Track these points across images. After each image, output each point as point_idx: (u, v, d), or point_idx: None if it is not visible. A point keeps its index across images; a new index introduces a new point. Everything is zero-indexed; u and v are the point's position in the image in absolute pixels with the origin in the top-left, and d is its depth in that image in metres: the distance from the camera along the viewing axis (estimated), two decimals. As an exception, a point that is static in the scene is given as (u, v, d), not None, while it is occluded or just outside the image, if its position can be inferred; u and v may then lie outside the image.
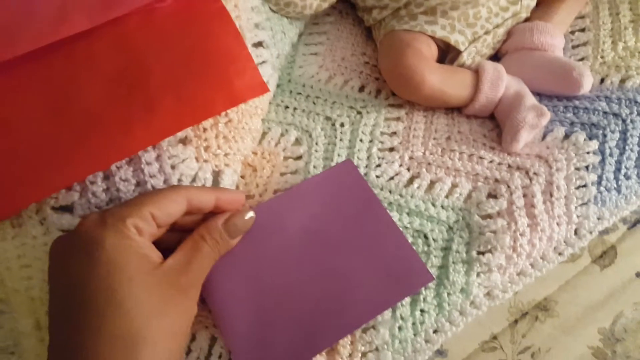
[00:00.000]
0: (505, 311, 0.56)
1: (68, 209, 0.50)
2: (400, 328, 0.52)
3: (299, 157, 0.64)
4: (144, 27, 0.54)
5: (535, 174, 0.58)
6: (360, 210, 0.55)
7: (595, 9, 0.73)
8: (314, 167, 0.62)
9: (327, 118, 0.67)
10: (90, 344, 0.38)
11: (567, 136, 0.61)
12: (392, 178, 0.61)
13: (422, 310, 0.53)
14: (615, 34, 0.70)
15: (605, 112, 0.62)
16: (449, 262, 0.55)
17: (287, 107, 0.68)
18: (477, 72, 0.64)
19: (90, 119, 0.50)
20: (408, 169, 0.62)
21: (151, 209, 0.43)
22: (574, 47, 0.71)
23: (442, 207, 0.58)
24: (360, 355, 0.51)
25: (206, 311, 0.53)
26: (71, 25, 0.51)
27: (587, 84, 0.62)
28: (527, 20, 0.69)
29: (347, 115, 0.66)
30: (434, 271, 0.55)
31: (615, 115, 0.62)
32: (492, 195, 0.58)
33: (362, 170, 0.61)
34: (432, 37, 0.65)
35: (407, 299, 0.53)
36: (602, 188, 0.58)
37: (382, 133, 0.64)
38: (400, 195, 0.59)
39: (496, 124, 0.64)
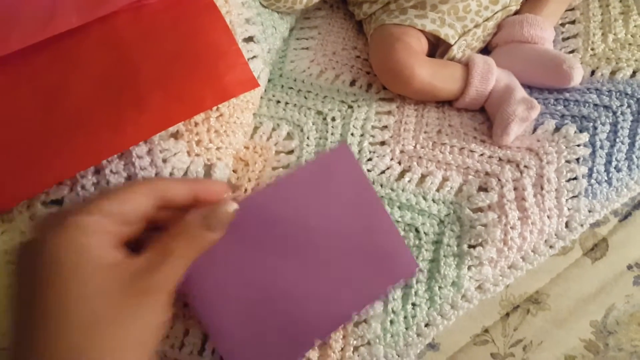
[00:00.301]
0: (497, 304, 0.55)
1: (58, 202, 0.49)
2: (392, 322, 0.51)
3: (291, 152, 0.63)
4: (132, 23, 0.53)
5: (525, 166, 0.57)
6: (352, 200, 0.53)
7: (585, 1, 0.72)
8: (306, 161, 0.61)
9: (319, 112, 0.66)
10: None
11: (557, 129, 0.60)
12: (383, 172, 0.60)
13: (413, 304, 0.52)
14: (606, 26, 0.69)
15: (595, 105, 0.61)
16: (440, 256, 0.54)
17: (278, 101, 0.67)
18: (467, 66, 0.63)
19: (80, 116, 0.49)
20: (399, 163, 0.60)
21: (112, 204, 0.39)
22: (564, 39, 0.70)
23: (433, 200, 0.57)
24: (352, 349, 0.50)
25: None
26: (60, 23, 0.50)
27: (578, 76, 0.61)
28: (517, 13, 0.68)
29: (339, 110, 0.65)
30: (425, 265, 0.54)
31: (606, 107, 0.61)
32: (483, 189, 0.57)
33: (353, 164, 0.60)
34: (422, 31, 0.64)
35: (399, 293, 0.53)
36: (592, 180, 0.57)
37: (373, 127, 0.63)
38: (392, 189, 0.58)
39: (487, 117, 0.63)
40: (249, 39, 0.62)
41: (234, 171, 0.61)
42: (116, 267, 0.37)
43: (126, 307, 0.36)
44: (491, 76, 0.61)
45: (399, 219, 0.56)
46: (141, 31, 0.53)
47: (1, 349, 0.49)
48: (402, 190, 0.58)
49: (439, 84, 0.61)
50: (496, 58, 0.65)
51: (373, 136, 0.63)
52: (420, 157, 0.60)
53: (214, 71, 0.53)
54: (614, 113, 0.60)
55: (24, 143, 0.48)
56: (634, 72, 0.64)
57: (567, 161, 0.58)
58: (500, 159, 0.59)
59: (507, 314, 0.55)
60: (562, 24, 0.71)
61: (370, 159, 0.61)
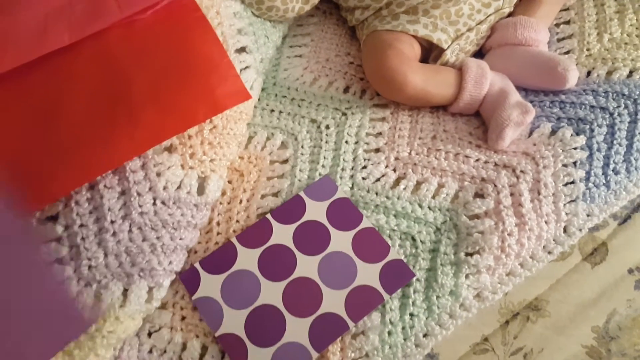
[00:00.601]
0: (496, 312, 0.54)
1: (53, 219, 0.48)
2: (389, 333, 0.50)
3: (285, 161, 0.61)
4: (124, 39, 0.52)
5: (522, 171, 0.56)
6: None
7: (579, 0, 0.71)
8: (300, 170, 0.60)
9: (313, 120, 0.64)
10: None
11: (553, 132, 0.59)
12: (378, 180, 0.59)
13: (411, 314, 0.51)
14: (601, 26, 0.67)
15: (592, 106, 0.59)
16: (437, 265, 0.53)
17: (272, 110, 0.66)
18: (460, 70, 0.61)
19: (74, 134, 0.48)
20: (394, 170, 0.59)
21: None
22: (559, 40, 0.68)
23: (429, 208, 0.56)
24: (350, 361, 0.49)
25: (196, 319, 0.51)
26: (52, 41, 0.50)
27: (573, 78, 0.59)
28: (510, 15, 0.67)
29: (332, 117, 0.64)
30: (422, 274, 0.53)
31: (603, 109, 0.59)
32: (479, 195, 0.56)
33: (347, 173, 0.59)
34: (415, 37, 0.63)
35: (396, 303, 0.51)
36: (590, 184, 0.56)
37: (367, 134, 0.62)
38: (387, 197, 0.57)
39: (482, 121, 0.62)
40: (242, 50, 0.61)
41: (229, 182, 0.60)
42: None
43: None
44: (485, 80, 0.60)
45: (395, 228, 0.55)
46: (133, 47, 0.52)
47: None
48: (398, 198, 0.57)
49: (433, 90, 0.60)
50: (490, 61, 0.63)
51: (367, 143, 0.61)
52: (415, 164, 0.59)
53: (206, 84, 0.53)
54: (611, 114, 0.59)
55: (19, 162, 0.47)
56: (631, 72, 0.62)
57: (564, 165, 0.56)
58: (496, 164, 0.57)
59: (507, 322, 0.54)
60: (557, 25, 0.69)
61: (365, 167, 0.60)
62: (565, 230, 0.55)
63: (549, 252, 0.54)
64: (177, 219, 0.50)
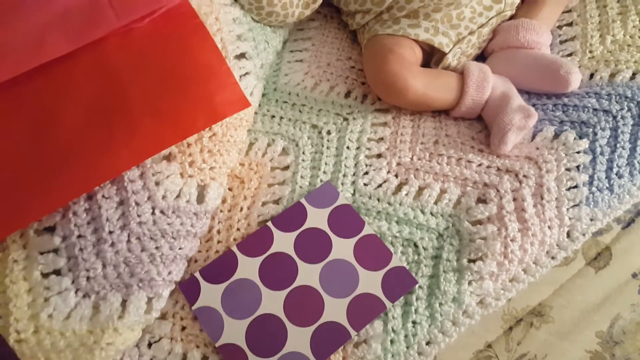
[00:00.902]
0: (499, 319, 0.53)
1: (50, 229, 0.47)
2: (392, 341, 0.49)
3: (286, 167, 0.60)
4: (122, 48, 0.51)
5: (525, 176, 0.55)
6: None
7: (582, 2, 0.69)
8: (302, 177, 0.59)
9: (314, 126, 0.63)
10: None
11: (556, 135, 0.57)
12: (380, 185, 0.58)
13: (414, 322, 0.50)
14: (603, 28, 0.66)
15: (595, 109, 0.58)
16: (439, 271, 0.52)
17: (273, 116, 0.65)
18: (462, 74, 0.60)
19: (72, 144, 0.47)
20: (396, 176, 0.58)
21: None
22: (561, 42, 0.67)
23: (432, 214, 0.55)
24: (352, 370, 0.48)
25: (197, 330, 0.51)
26: (49, 51, 0.49)
27: (575, 81, 0.58)
28: (512, 17, 0.65)
29: (334, 123, 0.63)
30: (424, 281, 0.52)
31: (606, 112, 0.58)
32: (482, 200, 0.55)
33: (349, 179, 0.58)
34: (416, 41, 0.62)
35: (399, 311, 0.50)
36: (593, 188, 0.54)
37: (369, 139, 0.61)
38: (389, 204, 0.56)
39: (484, 125, 0.61)
40: (241, 56, 0.60)
41: (230, 189, 0.59)
42: None
43: None
44: (487, 84, 0.58)
45: (397, 234, 0.54)
46: (130, 55, 0.51)
47: None
48: (400, 204, 0.56)
49: (434, 95, 0.59)
50: (492, 64, 0.62)
51: (369, 149, 0.60)
52: (417, 169, 0.58)
53: (204, 92, 0.52)
54: (614, 117, 0.57)
55: (18, 172, 0.47)
56: (634, 74, 0.61)
57: (567, 169, 0.55)
58: (498, 169, 0.56)
59: (510, 328, 0.53)
60: (559, 27, 0.68)
61: (366, 173, 0.59)
62: (568, 235, 0.54)
63: (553, 258, 0.53)
64: (177, 229, 0.50)
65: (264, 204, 0.58)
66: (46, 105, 0.49)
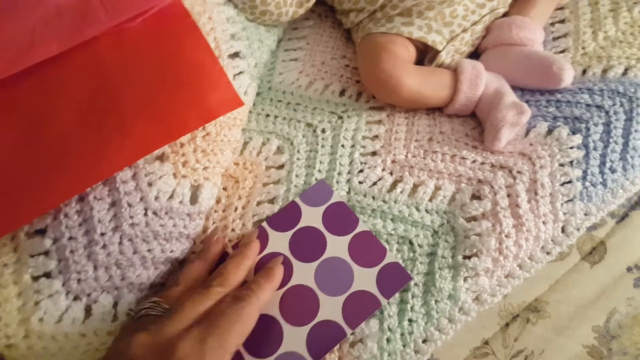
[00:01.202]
0: (495, 315, 0.52)
1: (41, 232, 0.46)
2: (388, 340, 0.48)
3: (281, 166, 0.60)
4: (114, 48, 0.50)
5: (518, 172, 0.54)
6: None
7: (574, -1, 0.69)
8: (297, 175, 0.58)
9: (308, 125, 0.62)
10: None
11: (550, 131, 0.57)
12: (375, 183, 0.57)
13: (410, 320, 0.49)
14: (596, 24, 0.65)
15: (588, 105, 0.57)
16: (435, 268, 0.51)
17: (267, 115, 0.64)
18: (455, 72, 0.59)
19: (64, 145, 0.46)
20: (391, 173, 0.57)
21: (240, 332, 0.42)
22: (554, 39, 0.66)
23: (426, 211, 0.54)
24: (349, 369, 0.48)
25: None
26: (40, 51, 0.48)
27: (568, 77, 0.57)
28: (505, 14, 0.65)
29: (328, 121, 0.62)
30: (420, 278, 0.51)
31: (598, 107, 0.57)
32: (476, 197, 0.54)
33: (344, 177, 0.57)
34: (410, 39, 0.61)
35: (395, 309, 0.50)
36: (587, 183, 0.54)
37: (363, 137, 0.60)
38: (384, 201, 0.55)
39: (478, 122, 0.60)
40: (235, 55, 0.59)
41: (224, 189, 0.58)
42: None
43: None
44: (480, 81, 0.58)
45: (392, 232, 0.53)
46: (122, 55, 0.50)
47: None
48: (395, 202, 0.55)
49: (428, 92, 0.58)
50: (486, 61, 0.61)
51: (364, 147, 0.60)
52: (412, 167, 0.57)
53: (197, 92, 0.51)
54: (607, 113, 0.57)
55: (8, 175, 0.45)
56: (626, 70, 0.60)
57: (561, 164, 0.54)
58: (492, 165, 0.56)
59: (507, 325, 0.52)
60: (552, 24, 0.67)
61: (361, 171, 0.58)
62: (563, 230, 0.53)
63: (548, 253, 0.52)
64: (169, 230, 0.49)
65: (259, 203, 0.57)
66: (37, 106, 0.48)
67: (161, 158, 0.50)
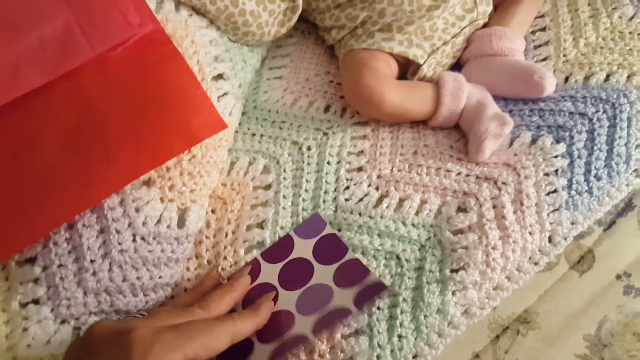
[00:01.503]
0: (485, 328, 0.52)
1: (31, 261, 0.46)
2: (378, 357, 0.48)
3: (268, 186, 0.60)
4: (97, 77, 0.51)
5: (503, 183, 0.54)
6: None
7: (554, 7, 0.69)
8: (284, 196, 0.58)
9: (294, 142, 0.63)
10: None
11: (534, 141, 0.57)
12: (361, 200, 0.57)
13: (399, 336, 0.49)
14: (576, 31, 0.65)
15: (571, 113, 0.58)
16: (423, 283, 0.51)
17: (253, 134, 0.64)
18: (437, 85, 0.59)
19: (50, 175, 0.47)
20: (377, 189, 0.57)
21: (202, 343, 0.39)
22: (535, 47, 0.67)
23: (413, 225, 0.54)
24: (339, 389, 0.47)
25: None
26: (24, 83, 0.48)
27: (550, 86, 0.58)
28: (485, 25, 0.65)
29: (314, 138, 0.62)
30: (408, 293, 0.51)
31: (581, 114, 0.57)
32: (462, 209, 0.54)
33: (330, 195, 0.58)
34: (391, 54, 0.61)
35: (384, 325, 0.49)
36: (573, 192, 0.54)
37: (349, 153, 0.60)
38: (370, 217, 0.55)
39: (463, 134, 0.60)
40: (219, 77, 0.59)
41: (213, 211, 0.58)
42: None
43: None
44: (462, 94, 0.58)
45: (379, 248, 0.53)
46: (106, 84, 0.51)
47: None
48: (381, 217, 0.55)
49: (410, 106, 0.58)
50: (467, 73, 0.62)
51: (349, 162, 0.60)
52: (397, 181, 0.57)
53: (180, 117, 0.51)
54: (590, 120, 0.57)
55: (-4, 206, 0.46)
56: (608, 76, 0.60)
57: (546, 174, 0.54)
58: (477, 177, 0.56)
59: (497, 337, 0.52)
60: (533, 32, 0.68)
61: (347, 187, 0.58)
62: (550, 240, 0.53)
63: (535, 263, 0.52)
64: (157, 255, 0.49)
65: (248, 228, 0.56)
66: (23, 137, 0.48)
67: (148, 183, 0.50)
